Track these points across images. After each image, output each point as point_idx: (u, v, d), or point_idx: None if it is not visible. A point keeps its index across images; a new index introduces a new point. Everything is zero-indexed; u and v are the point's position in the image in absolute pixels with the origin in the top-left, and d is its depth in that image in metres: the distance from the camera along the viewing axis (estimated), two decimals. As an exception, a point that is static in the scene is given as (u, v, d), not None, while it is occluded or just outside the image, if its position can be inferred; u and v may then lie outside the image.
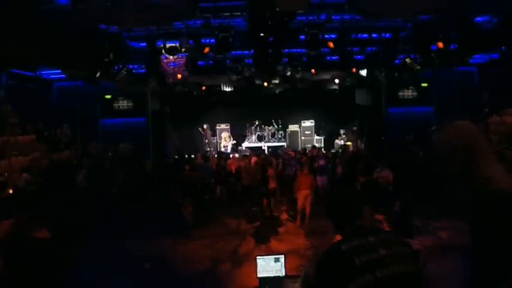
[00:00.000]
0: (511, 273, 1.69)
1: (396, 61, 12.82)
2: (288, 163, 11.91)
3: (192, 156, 14.66)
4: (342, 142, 17.18)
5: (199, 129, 17.63)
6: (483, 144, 1.92)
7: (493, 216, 1.73)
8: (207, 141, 17.50)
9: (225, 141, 17.96)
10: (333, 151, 16.06)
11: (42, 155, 9.95)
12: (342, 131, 17.77)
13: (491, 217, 1.74)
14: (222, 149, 17.58)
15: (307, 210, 9.31)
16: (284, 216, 10.15)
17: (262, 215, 10.01)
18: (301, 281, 3.57)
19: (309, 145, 16.11)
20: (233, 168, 12.51)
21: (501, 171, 1.85)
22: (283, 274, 4.13)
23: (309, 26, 10.04)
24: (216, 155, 14.70)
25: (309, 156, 12.48)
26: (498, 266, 1.73)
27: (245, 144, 17.78)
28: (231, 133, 18.34)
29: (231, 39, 10.17)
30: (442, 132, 1.97)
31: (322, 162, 11.23)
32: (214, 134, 18.28)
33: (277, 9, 8.48)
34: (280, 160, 12.70)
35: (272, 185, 10.34)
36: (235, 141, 18.04)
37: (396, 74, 14.07)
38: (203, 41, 10.65)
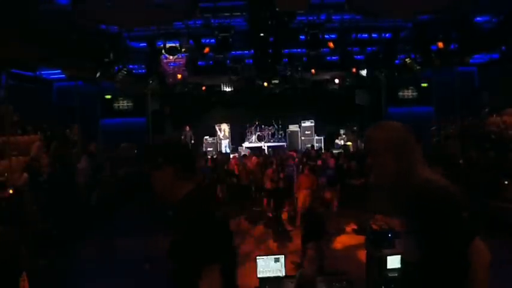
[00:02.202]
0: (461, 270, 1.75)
1: (396, 61, 12.81)
2: (287, 163, 11.90)
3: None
4: (342, 142, 17.17)
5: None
6: (412, 142, 1.93)
7: (437, 213, 1.76)
8: (185, 142, 17.34)
9: (225, 136, 17.95)
10: (334, 151, 16.06)
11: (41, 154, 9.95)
12: (341, 131, 17.76)
13: (435, 214, 1.76)
14: (223, 148, 17.59)
15: (307, 210, 9.31)
16: (284, 216, 10.14)
17: (262, 215, 10.01)
18: (296, 282, 3.59)
19: (309, 145, 16.11)
20: (232, 168, 12.52)
21: (429, 169, 1.92)
22: (283, 274, 4.14)
23: (309, 26, 10.04)
24: (215, 155, 14.73)
25: (307, 156, 12.48)
26: (447, 267, 1.78)
27: (245, 144, 17.77)
28: (231, 133, 18.33)
29: (231, 39, 10.16)
30: (375, 130, 1.96)
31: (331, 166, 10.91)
32: (213, 134, 18.26)
33: (277, 9, 8.49)
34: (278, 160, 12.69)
35: (271, 185, 10.33)
36: (228, 139, 18.01)
37: (396, 74, 14.08)
38: (203, 41, 10.65)
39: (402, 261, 2.12)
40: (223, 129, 18.03)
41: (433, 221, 1.76)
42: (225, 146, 17.93)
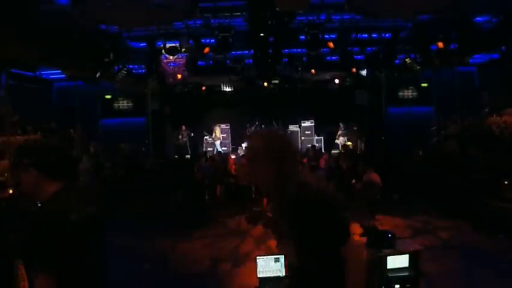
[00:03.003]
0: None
1: (396, 61, 12.81)
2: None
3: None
4: (342, 142, 17.17)
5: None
6: (290, 150, 1.95)
7: (311, 217, 1.79)
8: (183, 141, 17.31)
9: (216, 137, 17.95)
10: (334, 151, 16.06)
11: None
12: (340, 131, 17.75)
13: (308, 219, 1.79)
14: (219, 148, 17.58)
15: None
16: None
17: (262, 215, 9.99)
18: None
19: (309, 145, 16.11)
20: (230, 168, 12.55)
21: (308, 175, 1.96)
22: (283, 274, 4.14)
23: (309, 26, 10.04)
24: (213, 156, 14.75)
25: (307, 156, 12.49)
26: (322, 271, 1.86)
27: (245, 145, 17.75)
28: (231, 133, 18.32)
29: (231, 39, 10.16)
30: (255, 139, 1.98)
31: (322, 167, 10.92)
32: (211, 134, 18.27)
33: (277, 9, 8.48)
34: None
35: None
36: (224, 135, 17.99)
37: (396, 74, 14.08)
38: (203, 41, 10.65)
39: (288, 266, 2.16)
40: (215, 131, 18.05)
41: (307, 225, 1.79)
42: (217, 146, 17.91)
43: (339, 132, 17.80)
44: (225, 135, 18.26)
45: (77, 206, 2.04)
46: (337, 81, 15.37)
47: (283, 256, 4.21)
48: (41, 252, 1.78)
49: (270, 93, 16.22)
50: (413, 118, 14.88)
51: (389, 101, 15.83)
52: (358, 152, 15.50)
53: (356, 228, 8.72)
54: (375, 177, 9.70)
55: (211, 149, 17.60)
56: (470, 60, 12.93)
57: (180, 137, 17.06)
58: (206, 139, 18.12)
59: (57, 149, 2.14)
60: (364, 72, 13.51)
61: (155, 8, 7.60)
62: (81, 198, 2.16)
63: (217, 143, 17.90)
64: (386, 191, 10.58)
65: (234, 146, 18.08)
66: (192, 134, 17.44)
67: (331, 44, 10.64)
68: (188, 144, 17.25)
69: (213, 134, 18.03)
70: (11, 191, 7.59)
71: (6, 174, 8.20)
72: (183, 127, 17.15)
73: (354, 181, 10.67)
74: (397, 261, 4.33)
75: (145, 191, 11.53)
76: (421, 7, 8.41)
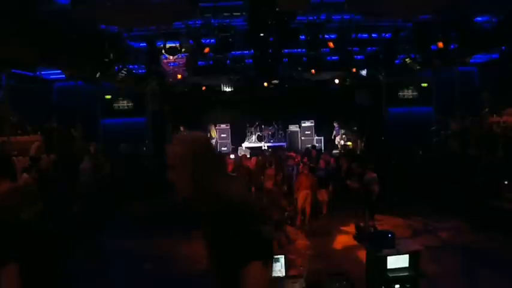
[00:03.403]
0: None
1: (396, 61, 12.81)
2: (286, 164, 11.90)
3: None
4: (342, 142, 17.16)
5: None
6: (211, 155, 1.91)
7: (224, 227, 1.72)
8: None
9: (211, 137, 17.94)
10: (335, 151, 16.06)
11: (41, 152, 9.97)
12: (341, 131, 17.75)
13: (223, 228, 1.73)
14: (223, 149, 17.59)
15: (307, 210, 9.31)
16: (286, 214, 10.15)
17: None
18: (305, 279, 3.58)
19: (309, 145, 16.10)
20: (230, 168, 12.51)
21: (229, 184, 1.86)
22: (283, 274, 4.14)
23: (309, 26, 10.04)
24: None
25: (308, 157, 12.46)
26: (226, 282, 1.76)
27: (245, 144, 17.77)
28: (230, 133, 18.32)
29: (231, 39, 10.16)
30: (172, 144, 1.93)
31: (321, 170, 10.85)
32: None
33: (277, 9, 8.49)
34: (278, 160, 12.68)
35: (270, 184, 10.33)
36: (224, 135, 17.98)
37: (396, 74, 14.07)
38: (203, 41, 10.65)
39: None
40: (210, 130, 18.05)
41: (218, 233, 1.75)
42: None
43: (334, 132, 17.80)
44: (225, 135, 18.26)
45: (24, 204, 2.12)
46: (337, 81, 15.37)
47: (283, 256, 4.22)
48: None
49: (270, 93, 16.21)
50: (413, 118, 14.88)
51: (389, 101, 15.83)
52: (358, 152, 15.49)
53: (352, 229, 8.75)
54: (374, 177, 9.70)
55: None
56: (470, 60, 12.93)
57: None
58: None
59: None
60: (364, 72, 13.51)
61: (155, 8, 7.61)
62: (26, 197, 2.24)
63: (212, 142, 17.90)
64: (387, 191, 10.59)
65: (233, 146, 18.07)
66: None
67: (331, 44, 10.64)
68: None
69: (208, 134, 18.01)
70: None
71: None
72: (181, 127, 17.15)
73: (349, 182, 10.65)
74: (397, 261, 4.33)
75: (145, 191, 11.53)
76: (421, 7, 8.42)
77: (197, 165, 1.82)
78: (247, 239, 1.70)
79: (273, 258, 1.90)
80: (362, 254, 5.55)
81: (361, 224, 8.27)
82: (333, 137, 17.75)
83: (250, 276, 1.67)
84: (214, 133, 18.00)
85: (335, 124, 17.68)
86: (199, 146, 1.88)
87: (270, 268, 1.82)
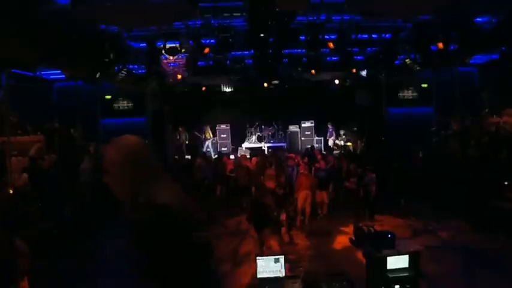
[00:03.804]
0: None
1: (396, 61, 12.81)
2: (286, 164, 11.89)
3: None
4: (342, 142, 17.16)
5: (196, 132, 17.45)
6: (146, 160, 1.90)
7: (154, 231, 1.70)
8: (179, 142, 17.24)
9: (206, 138, 17.91)
10: (335, 152, 16.05)
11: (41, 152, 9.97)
12: (341, 132, 17.75)
13: (153, 233, 1.70)
14: (210, 148, 17.55)
15: (307, 210, 9.31)
16: (284, 216, 10.14)
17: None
18: (302, 281, 3.58)
19: (309, 146, 16.09)
20: (229, 168, 12.53)
21: (164, 187, 1.83)
22: (283, 274, 4.14)
23: (309, 26, 10.04)
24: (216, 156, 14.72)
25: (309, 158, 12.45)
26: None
27: (245, 145, 17.76)
28: (230, 133, 18.31)
29: (231, 40, 10.16)
30: (107, 148, 1.92)
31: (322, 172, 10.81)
32: (213, 134, 18.25)
33: (277, 9, 8.49)
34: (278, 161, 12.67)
35: (272, 185, 10.32)
36: (210, 139, 17.93)
37: (396, 74, 14.07)
38: (203, 41, 10.65)
39: None
40: (206, 131, 18.03)
41: (142, 239, 1.72)
42: (206, 146, 17.87)
43: (328, 134, 17.71)
44: (225, 135, 18.24)
45: None
46: (337, 81, 15.37)
47: (283, 256, 4.22)
48: None
49: (270, 93, 16.21)
50: (413, 118, 14.88)
51: (390, 101, 15.83)
52: (358, 152, 15.49)
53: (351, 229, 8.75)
54: (373, 178, 9.71)
55: (210, 149, 17.59)
56: (470, 61, 12.92)
57: (177, 137, 17.07)
58: (207, 139, 18.11)
59: None
60: (364, 73, 13.50)
61: (155, 8, 7.61)
62: None
63: (208, 143, 17.87)
64: (388, 192, 10.60)
65: (233, 147, 18.06)
66: (187, 135, 17.42)
67: (331, 44, 10.64)
68: (184, 145, 17.26)
69: (203, 135, 17.97)
70: (11, 191, 7.59)
71: (6, 174, 8.21)
72: (180, 128, 17.16)
73: (347, 183, 10.65)
74: (397, 262, 4.32)
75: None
76: (421, 7, 8.42)
77: (130, 170, 1.82)
78: (176, 244, 1.68)
79: (208, 262, 1.88)
80: (362, 255, 5.55)
81: (360, 225, 8.23)
82: (327, 139, 17.73)
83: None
84: (209, 134, 17.95)
85: (329, 125, 17.67)
86: (134, 151, 1.88)
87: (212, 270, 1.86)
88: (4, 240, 2.75)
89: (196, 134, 17.95)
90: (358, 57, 12.71)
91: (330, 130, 17.72)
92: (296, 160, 12.08)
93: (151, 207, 1.72)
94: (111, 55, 10.34)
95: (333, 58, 13.06)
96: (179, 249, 1.69)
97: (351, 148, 16.40)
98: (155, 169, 1.91)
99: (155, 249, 1.68)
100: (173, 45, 10.42)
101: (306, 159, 11.86)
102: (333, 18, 9.96)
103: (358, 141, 16.80)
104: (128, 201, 1.84)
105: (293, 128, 18.27)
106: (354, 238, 5.96)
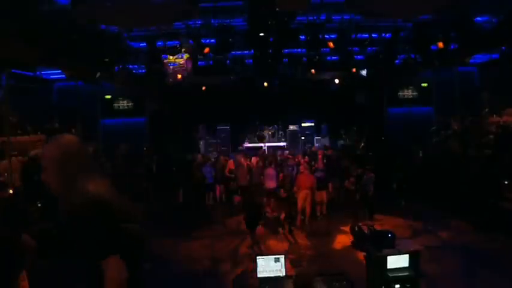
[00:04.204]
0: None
1: (396, 61, 12.81)
2: (286, 164, 11.89)
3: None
4: (342, 142, 17.16)
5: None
6: (81, 158, 2.02)
7: (83, 223, 1.84)
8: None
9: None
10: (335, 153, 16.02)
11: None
12: (341, 131, 17.75)
13: (82, 225, 1.84)
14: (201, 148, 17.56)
15: (307, 210, 9.31)
16: (284, 216, 10.15)
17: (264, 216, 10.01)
18: (294, 282, 3.58)
19: (309, 145, 16.06)
20: (231, 168, 12.52)
21: (95, 182, 1.96)
22: (283, 274, 4.14)
23: (309, 26, 10.03)
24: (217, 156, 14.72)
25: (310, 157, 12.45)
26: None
27: (245, 145, 17.78)
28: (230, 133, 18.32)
29: (231, 39, 10.15)
30: (44, 146, 2.07)
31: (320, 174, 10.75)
32: (213, 134, 18.25)
33: (277, 9, 8.48)
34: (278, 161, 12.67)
35: (272, 184, 10.34)
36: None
37: (396, 74, 14.07)
38: (203, 41, 10.64)
39: None
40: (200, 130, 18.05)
41: (79, 230, 1.85)
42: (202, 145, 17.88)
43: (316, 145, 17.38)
44: (225, 135, 18.26)
45: None
46: (337, 81, 15.36)
47: (283, 256, 4.22)
48: None
49: (270, 93, 16.21)
50: (413, 118, 14.88)
51: (390, 101, 15.84)
52: (358, 152, 15.48)
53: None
54: (371, 177, 9.71)
55: (211, 149, 17.60)
56: (470, 60, 12.91)
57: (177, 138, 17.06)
58: (207, 138, 18.11)
59: None
60: (364, 72, 13.49)
61: (155, 8, 7.61)
62: None
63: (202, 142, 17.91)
64: (387, 192, 10.60)
65: (234, 147, 18.07)
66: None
67: (331, 44, 10.63)
68: (183, 146, 17.25)
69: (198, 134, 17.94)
70: (11, 191, 7.60)
71: (6, 174, 8.21)
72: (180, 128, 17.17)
73: (346, 182, 10.65)
74: (397, 261, 4.32)
75: (145, 191, 11.53)
76: (421, 7, 8.41)
77: (67, 167, 1.95)
78: (103, 235, 1.82)
79: (137, 253, 2.02)
80: (362, 254, 5.55)
81: (356, 226, 8.24)
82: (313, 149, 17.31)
83: (107, 270, 1.80)
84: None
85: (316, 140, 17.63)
86: (71, 149, 2.00)
87: (137, 263, 1.97)
88: (13, 236, 2.76)
89: (207, 138, 17.93)
90: (358, 56, 12.71)
91: (317, 145, 17.23)
92: (296, 160, 12.09)
93: (83, 198, 1.85)
94: (111, 55, 10.34)
95: (333, 58, 13.06)
96: (108, 236, 1.83)
97: (350, 147, 16.38)
98: (89, 166, 2.04)
99: (86, 236, 1.83)
100: (173, 45, 10.44)
101: (306, 159, 11.86)
102: (333, 18, 9.95)
103: (361, 142, 16.77)
104: (63, 196, 1.96)
105: (293, 127, 18.27)
106: (354, 244, 5.98)
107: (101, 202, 1.86)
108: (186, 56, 11.02)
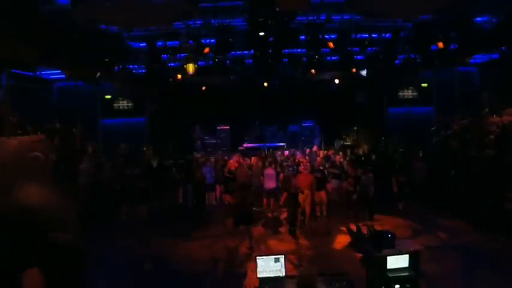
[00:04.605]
0: None
1: (396, 61, 12.81)
2: (286, 164, 11.89)
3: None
4: (342, 142, 17.17)
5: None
6: (15, 164, 1.99)
7: (6, 232, 1.77)
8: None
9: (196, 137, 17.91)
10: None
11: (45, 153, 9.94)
12: (341, 131, 17.77)
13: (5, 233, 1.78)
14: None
15: (307, 210, 9.30)
16: (284, 216, 10.15)
17: (262, 215, 10.01)
18: (297, 284, 3.57)
19: (309, 144, 16.05)
20: (231, 168, 12.53)
21: (31, 190, 1.90)
22: (283, 274, 4.13)
23: (309, 26, 10.03)
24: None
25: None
26: None
27: (245, 145, 17.79)
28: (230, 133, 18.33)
29: (231, 39, 10.16)
30: None
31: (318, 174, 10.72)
32: (213, 134, 18.27)
33: (277, 9, 8.48)
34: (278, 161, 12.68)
35: (271, 184, 10.34)
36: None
37: (396, 74, 14.07)
38: (203, 41, 10.64)
39: None
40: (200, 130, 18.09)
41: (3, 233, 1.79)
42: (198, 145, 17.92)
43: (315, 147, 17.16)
44: (225, 135, 18.29)
45: None
46: (337, 81, 15.37)
47: (283, 256, 4.21)
48: None
49: (270, 93, 16.22)
50: (413, 118, 14.89)
51: (390, 101, 15.84)
52: (361, 153, 15.48)
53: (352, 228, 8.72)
54: (370, 177, 9.70)
55: (210, 149, 17.62)
56: (470, 60, 12.92)
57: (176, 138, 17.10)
58: (206, 138, 18.15)
59: None
60: (364, 72, 13.49)
61: (155, 8, 7.61)
62: None
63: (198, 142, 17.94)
64: (387, 192, 10.58)
65: (233, 146, 18.09)
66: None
67: (331, 44, 10.63)
68: (183, 146, 17.28)
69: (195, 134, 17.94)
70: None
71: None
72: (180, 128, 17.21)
73: (344, 183, 10.64)
74: (397, 261, 4.32)
75: (145, 191, 11.51)
76: (421, 7, 8.40)
77: (7, 173, 1.93)
78: (25, 245, 1.74)
79: (72, 264, 1.93)
80: (359, 255, 5.55)
81: (352, 227, 8.22)
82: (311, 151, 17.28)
83: (24, 283, 1.71)
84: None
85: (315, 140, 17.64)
86: (14, 156, 2.00)
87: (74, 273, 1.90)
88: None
89: (207, 138, 17.98)
90: (358, 56, 12.71)
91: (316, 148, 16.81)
92: (296, 160, 12.10)
93: (6, 207, 1.80)
94: (111, 55, 10.34)
95: (333, 58, 13.06)
96: (26, 246, 1.75)
97: (352, 146, 16.39)
98: (24, 172, 2.01)
99: (6, 245, 1.75)
100: (173, 45, 10.45)
101: (307, 158, 11.87)
102: (333, 18, 9.95)
103: (360, 143, 16.78)
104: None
105: (293, 127, 18.29)
106: (353, 245, 5.96)
107: (23, 210, 1.80)
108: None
